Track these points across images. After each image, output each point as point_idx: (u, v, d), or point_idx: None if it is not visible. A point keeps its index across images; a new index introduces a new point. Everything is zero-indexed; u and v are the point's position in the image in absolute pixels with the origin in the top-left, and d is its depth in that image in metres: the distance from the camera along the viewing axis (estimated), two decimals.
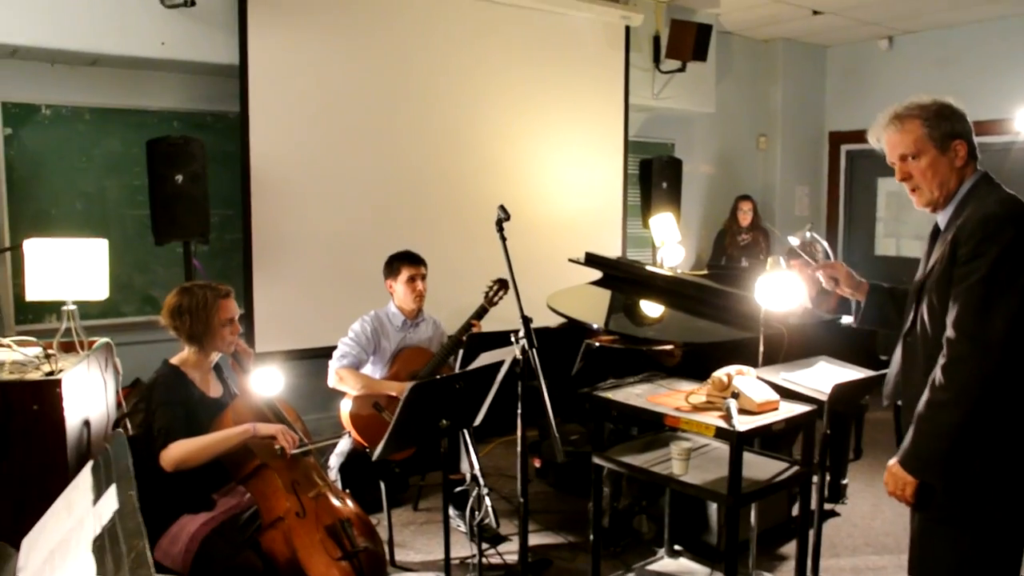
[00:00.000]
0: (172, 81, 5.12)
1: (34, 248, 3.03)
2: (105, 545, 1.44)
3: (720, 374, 2.95)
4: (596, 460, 3.18)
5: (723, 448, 3.14)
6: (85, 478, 1.86)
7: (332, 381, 3.90)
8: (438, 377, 3.26)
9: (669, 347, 3.78)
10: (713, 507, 3.81)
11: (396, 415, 2.77)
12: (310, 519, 2.80)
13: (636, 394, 3.14)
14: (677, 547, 3.74)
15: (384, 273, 4.09)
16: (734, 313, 4.03)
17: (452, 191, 5.65)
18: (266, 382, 3.10)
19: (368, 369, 3.98)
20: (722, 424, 2.74)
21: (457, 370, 3.69)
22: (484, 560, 3.40)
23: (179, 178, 4.46)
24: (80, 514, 1.71)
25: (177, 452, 2.71)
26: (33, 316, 4.75)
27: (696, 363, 3.56)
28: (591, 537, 3.30)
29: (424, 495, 4.60)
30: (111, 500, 1.60)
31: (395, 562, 3.81)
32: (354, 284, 5.06)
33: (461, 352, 3.90)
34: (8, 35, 4.35)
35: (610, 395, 3.12)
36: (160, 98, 5.10)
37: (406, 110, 5.46)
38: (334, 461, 3.81)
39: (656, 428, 3.36)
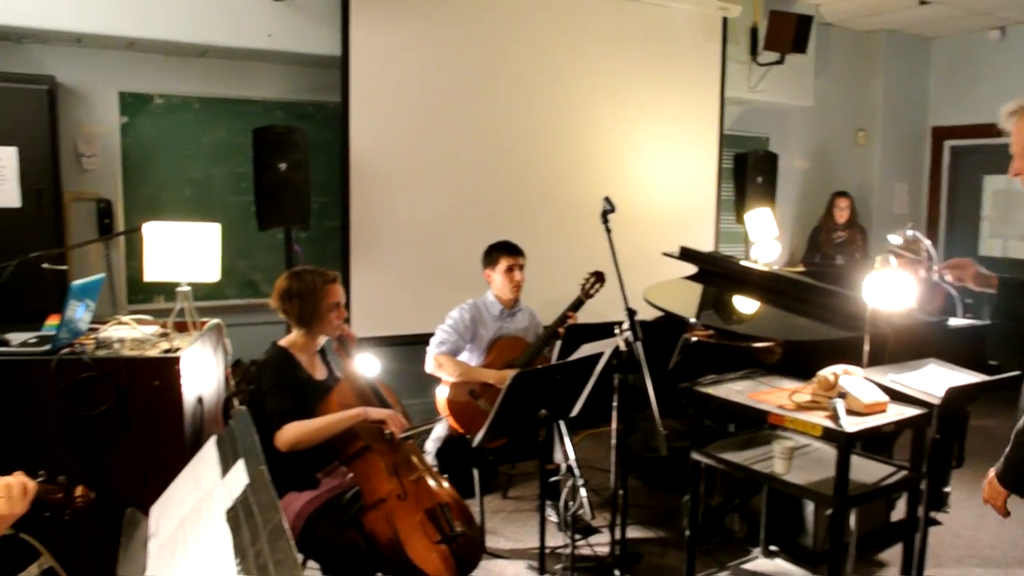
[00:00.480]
0: (277, 72, 5.27)
1: (153, 231, 3.17)
2: (240, 517, 1.50)
3: (826, 373, 2.88)
4: (695, 456, 3.14)
5: (826, 449, 3.08)
6: (210, 451, 1.93)
7: (430, 367, 3.96)
8: (540, 367, 3.27)
9: (770, 344, 3.71)
10: (810, 508, 3.72)
11: (498, 402, 2.80)
12: (411, 502, 2.84)
13: (737, 391, 3.09)
14: (773, 547, 3.68)
15: (483, 262, 4.13)
16: (835, 311, 3.92)
17: (547, 182, 5.66)
18: (366, 366, 3.16)
19: (464, 356, 4.03)
20: (829, 424, 2.67)
21: (554, 361, 3.69)
22: (575, 551, 3.41)
23: (282, 166, 4.58)
24: (208, 486, 1.78)
25: (292, 433, 2.78)
26: (144, 296, 4.97)
27: (797, 361, 3.48)
28: (686, 533, 3.27)
29: (514, 483, 4.64)
30: (240, 474, 1.66)
31: (486, 548, 3.85)
32: (449, 273, 5.13)
33: (558, 343, 3.90)
34: (126, 28, 4.54)
35: (711, 391, 3.08)
36: (265, 88, 5.26)
37: (503, 101, 5.49)
38: (430, 446, 3.87)
39: (755, 425, 3.31)
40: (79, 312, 2.80)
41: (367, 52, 4.99)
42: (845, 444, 2.63)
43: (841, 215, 7.11)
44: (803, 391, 2.93)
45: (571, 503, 3.34)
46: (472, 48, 5.35)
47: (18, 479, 1.72)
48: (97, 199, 4.89)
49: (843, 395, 2.79)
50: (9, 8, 4.25)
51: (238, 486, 1.62)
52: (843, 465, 2.65)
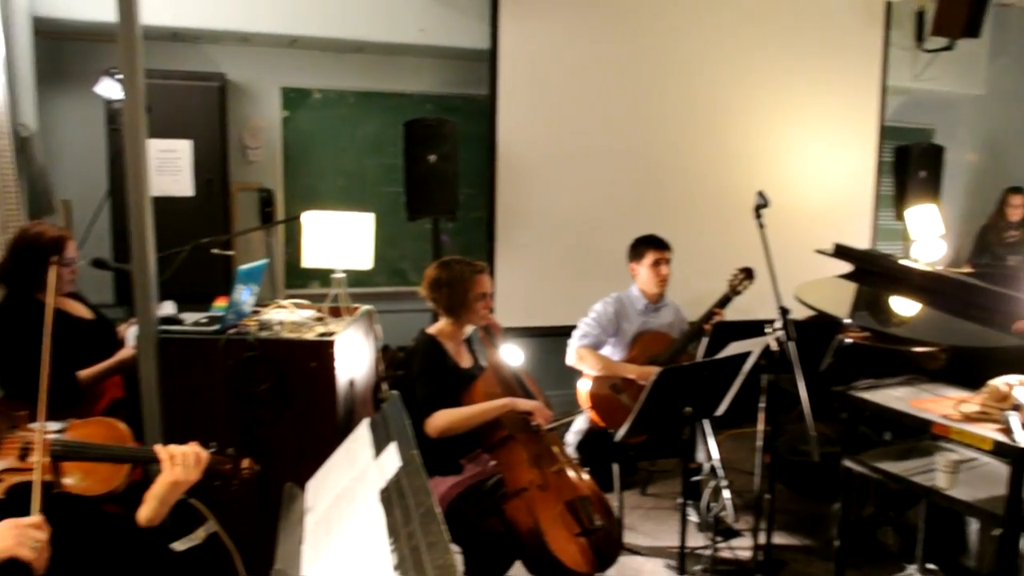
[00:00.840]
0: (427, 66, 5.40)
1: (311, 220, 3.31)
2: (392, 498, 1.54)
3: (999, 383, 2.68)
4: (847, 463, 3.00)
5: (995, 464, 2.87)
6: (364, 433, 2.00)
7: (571, 359, 3.96)
8: (686, 364, 3.21)
9: (933, 349, 3.49)
10: (974, 526, 3.48)
11: (642, 398, 2.76)
12: (551, 493, 2.86)
13: (896, 397, 2.93)
14: (930, 566, 3.46)
15: (628, 256, 4.09)
16: (1007, 317, 3.64)
17: (695, 176, 5.55)
18: (510, 356, 3.20)
19: (607, 351, 4.01)
20: (1002, 438, 2.49)
21: (700, 358, 3.62)
22: (716, 553, 3.33)
23: (432, 158, 4.69)
24: (362, 466, 1.84)
25: (443, 421, 2.85)
26: (300, 281, 5.22)
27: (962, 369, 3.26)
28: (835, 543, 3.13)
29: (653, 480, 4.58)
30: (393, 456, 1.71)
31: (624, 544, 3.82)
32: (594, 266, 5.11)
33: (704, 340, 3.81)
34: (289, 27, 4.78)
35: (867, 396, 2.93)
36: (416, 82, 5.40)
37: (651, 94, 5.41)
38: (571, 438, 3.88)
39: (914, 435, 3.12)
40: (244, 295, 2.97)
41: (515, 45, 5.03)
42: (1020, 460, 2.44)
43: (1015, 213, 6.59)
44: (971, 401, 2.74)
45: (713, 504, 3.28)
46: (620, 40, 5.30)
47: (193, 449, 1.84)
48: (260, 189, 5.17)
49: (1017, 407, 2.60)
50: (186, 12, 4.56)
51: (391, 468, 1.67)
52: (1016, 483, 2.46)
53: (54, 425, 1.90)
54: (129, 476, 1.85)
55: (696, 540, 3.76)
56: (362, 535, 1.51)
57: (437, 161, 4.71)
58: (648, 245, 4.02)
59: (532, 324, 5.10)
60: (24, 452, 1.75)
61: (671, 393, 2.90)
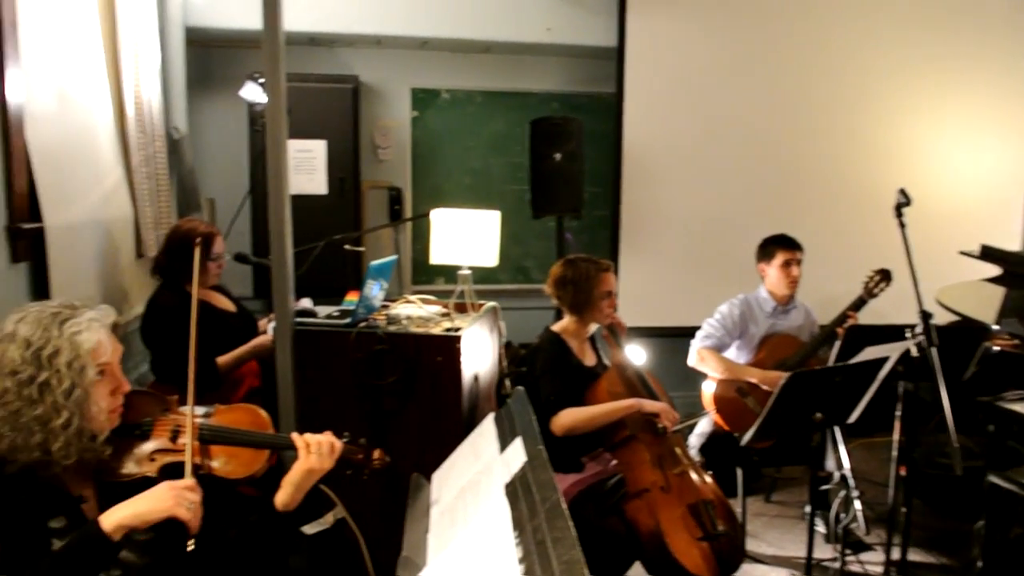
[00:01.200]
0: (554, 65, 5.43)
1: (440, 217, 3.38)
2: (518, 492, 1.56)
3: None
4: (993, 479, 2.83)
5: None
6: (489, 427, 2.03)
7: (692, 360, 3.89)
8: (818, 368, 3.10)
9: None
10: None
11: (770, 403, 2.69)
12: (674, 495, 2.82)
13: None
14: None
15: (757, 256, 3.98)
16: None
17: (829, 173, 5.33)
18: (634, 356, 3.18)
19: (732, 353, 3.92)
20: None
21: (831, 363, 3.49)
22: (844, 567, 3.21)
23: (557, 156, 4.71)
24: (487, 460, 1.87)
25: (568, 419, 2.86)
26: (426, 277, 5.35)
27: None
28: (978, 564, 2.95)
29: (778, 487, 4.45)
30: (518, 451, 1.73)
31: (746, 552, 3.73)
32: (720, 266, 5.00)
33: (836, 344, 3.67)
34: (420, 29, 4.91)
35: (1018, 408, 2.75)
36: (542, 81, 5.44)
37: (784, 90, 5.24)
38: (694, 440, 3.82)
39: None
40: (374, 290, 3.06)
41: (643, 42, 4.98)
42: None
43: None
44: None
45: (843, 515, 3.15)
46: (750, 34, 5.16)
47: (328, 438, 1.92)
48: (389, 187, 5.33)
49: None
50: (323, 17, 4.76)
51: (516, 462, 1.69)
52: None
53: (201, 409, 2.01)
54: (268, 462, 1.94)
55: (823, 552, 3.62)
56: (487, 527, 1.53)
57: (562, 159, 4.72)
58: (778, 245, 3.90)
59: (656, 324, 5.05)
60: (175, 434, 1.86)
61: (801, 398, 2.81)
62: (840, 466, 3.25)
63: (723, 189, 5.18)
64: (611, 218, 5.14)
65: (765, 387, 3.65)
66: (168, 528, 1.66)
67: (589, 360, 3.14)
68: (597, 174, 5.28)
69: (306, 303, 3.18)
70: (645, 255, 5.11)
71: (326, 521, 2.05)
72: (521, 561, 1.33)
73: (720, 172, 5.18)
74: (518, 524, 1.45)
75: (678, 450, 2.99)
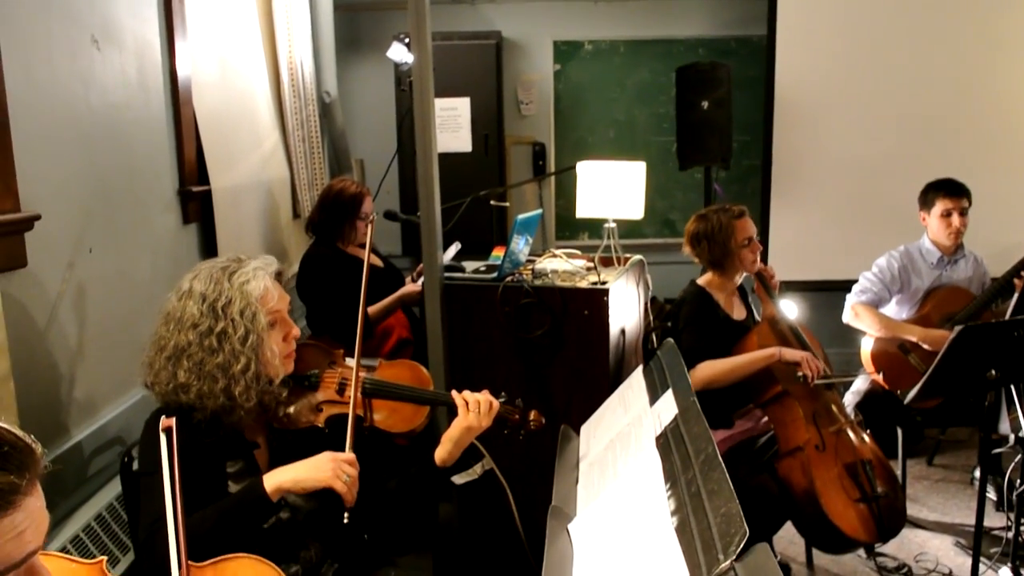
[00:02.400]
0: (700, 8, 5.23)
1: (585, 170, 3.35)
2: (669, 444, 1.54)
3: None
4: None
5: None
6: (638, 380, 2.02)
7: (847, 316, 3.69)
8: (993, 322, 2.89)
9: None
10: None
11: (938, 359, 2.53)
12: (829, 454, 2.72)
13: None
14: None
15: (919, 203, 3.71)
16: None
17: (1000, 113, 4.87)
18: (787, 310, 3.06)
19: (892, 308, 3.69)
20: None
21: (1008, 316, 3.23)
22: (1020, 538, 3.00)
23: (705, 104, 4.55)
24: (637, 412, 1.86)
25: (706, 372, 2.80)
26: (569, 232, 5.34)
27: None
28: None
29: (941, 450, 4.21)
30: (669, 403, 1.70)
31: (906, 516, 3.55)
32: (879, 215, 4.71)
33: (1015, 297, 3.39)
34: None
35: None
36: (688, 26, 5.25)
37: (948, 26, 4.81)
38: (850, 398, 3.65)
39: None
40: (520, 244, 3.08)
41: None
42: None
43: None
44: None
45: (1018, 482, 2.94)
46: None
47: (485, 397, 1.95)
48: (532, 142, 5.32)
49: None
50: None
51: (667, 415, 1.67)
52: None
53: (365, 363, 2.08)
54: (428, 417, 1.99)
55: (994, 520, 3.40)
56: (637, 479, 1.52)
57: (710, 107, 4.56)
58: (938, 191, 3.60)
59: (811, 277, 4.83)
60: (341, 387, 1.94)
61: (973, 354, 2.62)
62: (1017, 428, 3.02)
63: (883, 133, 4.85)
64: (761, 167, 4.93)
65: (926, 346, 3.43)
66: (325, 499, 1.73)
67: (738, 314, 3.05)
68: (746, 122, 5.08)
69: (453, 250, 3.25)
70: (798, 205, 4.87)
71: (474, 472, 2.09)
72: (674, 513, 1.31)
73: (880, 115, 4.84)
74: (670, 476, 1.43)
75: (834, 407, 2.87)
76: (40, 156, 2.05)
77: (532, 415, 2.05)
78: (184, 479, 1.52)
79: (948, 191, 3.59)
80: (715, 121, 4.56)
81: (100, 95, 2.35)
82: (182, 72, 2.85)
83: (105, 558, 1.30)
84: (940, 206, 3.60)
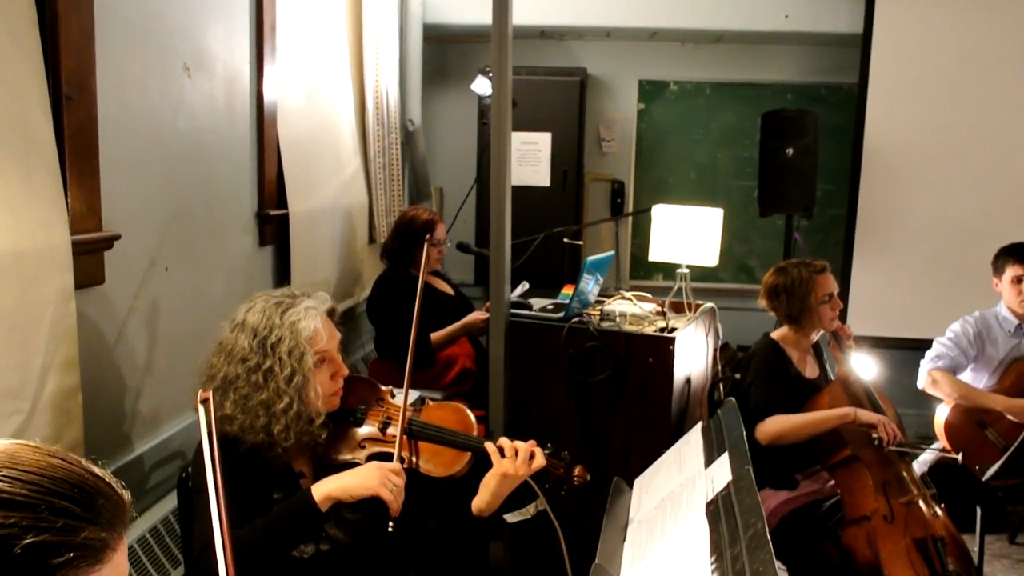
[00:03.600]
0: (790, 54, 5.14)
1: (661, 213, 3.31)
2: (719, 512, 1.48)
3: None
4: None
5: None
6: (695, 438, 1.96)
7: (922, 382, 3.50)
8: None
9: None
10: None
11: (1022, 437, 2.39)
12: (898, 526, 2.59)
13: None
14: None
15: (992, 268, 3.51)
16: None
17: None
18: (862, 368, 2.94)
19: (968, 376, 3.49)
20: None
21: None
22: None
23: (789, 151, 4.46)
24: (691, 473, 1.80)
25: (775, 427, 2.71)
26: (643, 273, 5.28)
27: None
28: None
29: None
30: (724, 468, 1.65)
31: None
32: (962, 276, 4.50)
33: None
34: (650, 20, 4.82)
35: None
36: (776, 71, 5.17)
37: None
38: (917, 468, 3.46)
39: None
40: (590, 285, 3.06)
41: (892, 28, 4.58)
42: None
43: None
44: None
45: None
46: (1013, 23, 4.57)
47: (529, 447, 1.91)
48: (612, 180, 5.30)
49: None
50: (553, 11, 4.81)
51: (720, 480, 1.61)
52: None
53: (413, 398, 2.08)
54: (469, 464, 1.96)
55: None
56: (683, 546, 1.47)
57: (795, 154, 4.46)
58: (1010, 256, 3.37)
59: (889, 334, 4.65)
60: (385, 425, 1.93)
61: None
62: None
63: (973, 190, 4.65)
64: (846, 218, 4.79)
65: (1011, 416, 3.24)
66: (372, 507, 1.74)
67: (811, 372, 2.95)
68: (832, 171, 4.95)
69: (523, 288, 3.25)
70: (881, 259, 4.71)
71: (527, 512, 2.06)
72: None
73: (971, 172, 4.65)
74: (716, 548, 1.38)
75: (907, 477, 2.74)
76: (125, 178, 2.13)
77: (577, 471, 1.99)
78: (232, 506, 1.55)
79: (1020, 256, 3.39)
80: (799, 168, 4.46)
81: (188, 120, 2.43)
82: (268, 97, 2.93)
83: None
84: (1011, 272, 3.39)
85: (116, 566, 0.84)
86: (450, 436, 1.95)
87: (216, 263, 2.65)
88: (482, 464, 2.00)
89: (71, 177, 1.89)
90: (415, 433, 1.94)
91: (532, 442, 1.92)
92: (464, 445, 1.95)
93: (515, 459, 1.86)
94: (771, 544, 1.25)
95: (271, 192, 2.99)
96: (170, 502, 2.33)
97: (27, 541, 0.75)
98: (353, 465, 1.86)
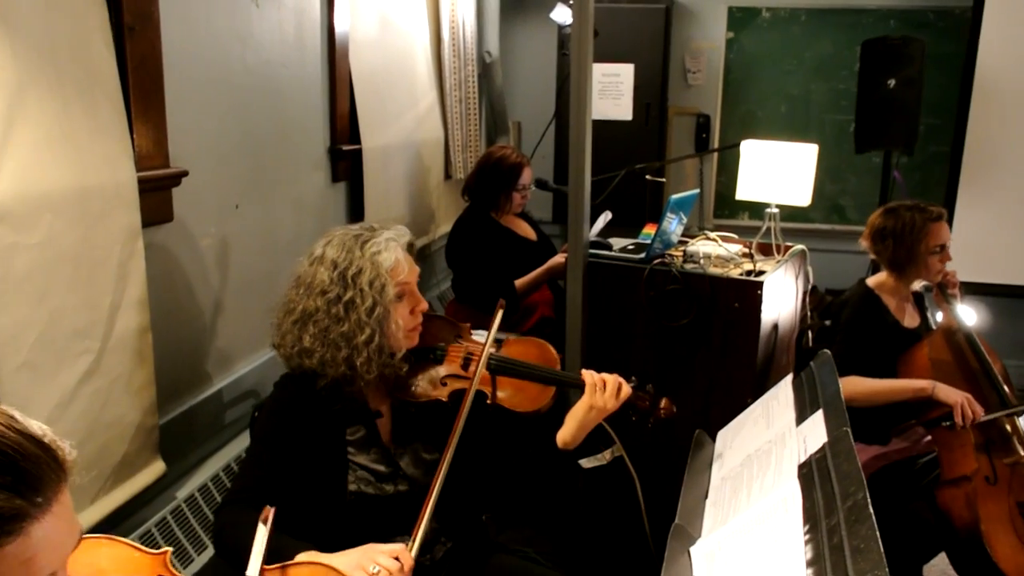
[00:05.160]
0: None
1: (750, 149, 3.12)
2: (813, 476, 1.37)
3: None
4: None
5: None
6: (786, 392, 1.83)
7: None
8: None
9: None
10: None
11: None
12: (1001, 488, 2.42)
13: None
14: None
15: None
16: None
17: None
18: (965, 317, 2.73)
19: None
20: None
21: None
22: None
23: (891, 82, 4.14)
24: (780, 430, 1.68)
25: (846, 389, 2.52)
26: (728, 212, 5.07)
27: None
28: None
29: None
30: (818, 428, 1.52)
31: None
32: None
33: None
34: None
35: None
36: None
37: None
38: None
39: None
40: (673, 224, 2.91)
41: None
42: None
43: None
44: None
45: None
46: None
47: (615, 379, 1.84)
48: (697, 114, 5.06)
49: None
50: None
51: (814, 441, 1.49)
52: None
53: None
54: (553, 399, 1.90)
55: None
56: (772, 512, 1.36)
57: (897, 86, 4.14)
58: None
59: (993, 280, 4.36)
60: (466, 362, 1.88)
61: None
62: None
63: None
64: (951, 155, 4.47)
65: None
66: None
67: (910, 321, 2.75)
68: (936, 104, 4.60)
69: (605, 219, 3.14)
70: (988, 200, 4.38)
71: (603, 458, 2.01)
72: (810, 564, 1.15)
73: None
74: (810, 516, 1.26)
75: (1014, 438, 2.54)
76: (192, 113, 2.07)
77: (663, 403, 1.92)
78: (305, 445, 1.57)
79: None
80: (901, 101, 4.14)
81: (256, 53, 2.36)
82: (340, 29, 2.84)
83: (170, 550, 1.27)
84: None
85: (44, 535, 0.79)
86: (534, 370, 1.90)
87: (288, 200, 2.61)
88: (559, 401, 1.94)
89: (136, 112, 1.84)
90: (498, 368, 1.88)
91: (616, 375, 1.85)
92: (549, 379, 1.90)
93: (603, 391, 1.80)
94: (874, 518, 1.13)
95: (343, 127, 2.92)
96: (244, 440, 2.34)
97: None
98: (435, 403, 1.82)
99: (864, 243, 2.77)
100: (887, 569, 1.03)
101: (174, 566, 1.24)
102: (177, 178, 1.97)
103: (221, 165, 2.23)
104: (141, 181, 1.82)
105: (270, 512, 1.38)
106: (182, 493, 2.08)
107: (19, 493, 0.76)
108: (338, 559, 1.47)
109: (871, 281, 2.78)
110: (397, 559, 1.49)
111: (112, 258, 1.75)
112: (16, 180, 1.53)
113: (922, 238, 2.63)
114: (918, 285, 2.79)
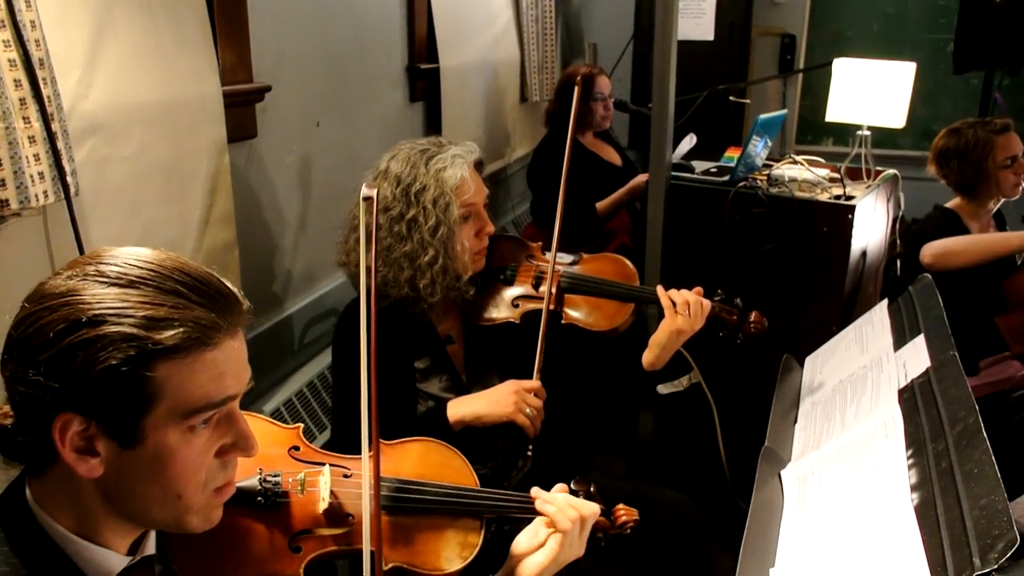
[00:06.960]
0: None
1: (844, 68, 2.97)
2: (916, 401, 1.31)
3: None
4: None
5: None
6: (881, 318, 1.76)
7: None
8: None
9: None
10: None
11: None
12: None
13: None
14: None
15: None
16: None
17: None
18: None
19: None
20: None
21: None
22: None
23: None
24: (876, 355, 1.62)
25: (943, 243, 2.48)
26: (812, 137, 4.88)
27: None
28: None
29: None
30: (920, 352, 1.46)
31: None
32: None
33: None
34: None
35: None
36: None
37: None
38: None
39: None
40: (758, 147, 2.80)
41: None
42: None
43: None
44: None
45: None
46: None
47: (697, 296, 1.77)
48: (782, 34, 4.83)
49: None
50: None
51: (916, 366, 1.43)
52: None
53: (566, 258, 1.95)
54: (633, 316, 1.84)
55: None
56: (870, 435, 1.32)
57: (1002, 2, 3.88)
58: None
59: None
60: (538, 281, 1.82)
61: None
62: None
63: None
64: None
65: None
66: (508, 431, 1.64)
67: None
68: None
69: (690, 142, 3.04)
70: None
71: (680, 384, 1.96)
72: (915, 488, 1.11)
73: None
74: (914, 441, 1.22)
75: None
76: (274, 29, 2.05)
77: (753, 316, 1.84)
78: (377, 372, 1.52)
79: None
80: (1008, 16, 3.87)
81: None
82: None
83: (302, 425, 1.28)
84: None
85: (230, 354, 0.88)
86: (610, 287, 1.84)
87: (367, 118, 2.58)
88: (639, 321, 1.89)
89: (219, 26, 1.83)
90: (570, 287, 1.82)
91: (698, 289, 1.78)
92: (626, 296, 1.83)
93: (687, 313, 1.73)
94: (988, 443, 1.08)
95: (422, 46, 2.87)
96: (325, 358, 2.37)
97: (143, 314, 0.81)
98: (508, 326, 1.78)
99: (931, 168, 2.67)
100: (1005, 494, 0.98)
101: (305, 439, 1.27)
102: (260, 93, 1.96)
103: (302, 82, 2.21)
104: (226, 95, 1.81)
105: (374, 192, 1.30)
106: (268, 407, 2.13)
107: (215, 310, 0.86)
108: (487, 407, 1.58)
109: (950, 204, 2.68)
110: (536, 394, 1.61)
111: (200, 172, 1.76)
112: (107, 93, 1.53)
113: (988, 153, 2.53)
114: (996, 204, 2.66)
